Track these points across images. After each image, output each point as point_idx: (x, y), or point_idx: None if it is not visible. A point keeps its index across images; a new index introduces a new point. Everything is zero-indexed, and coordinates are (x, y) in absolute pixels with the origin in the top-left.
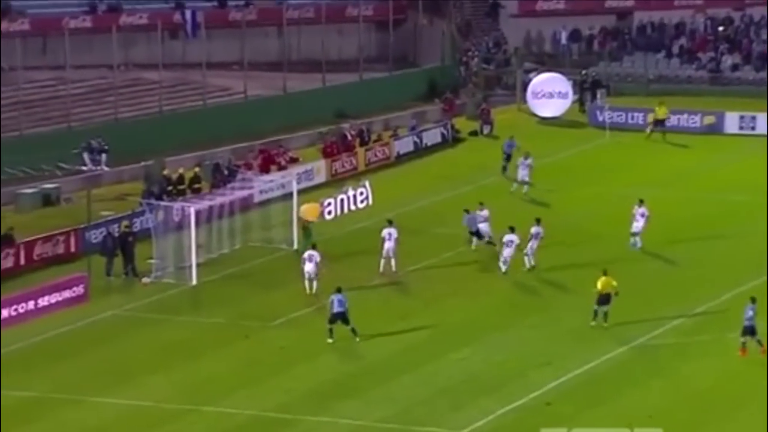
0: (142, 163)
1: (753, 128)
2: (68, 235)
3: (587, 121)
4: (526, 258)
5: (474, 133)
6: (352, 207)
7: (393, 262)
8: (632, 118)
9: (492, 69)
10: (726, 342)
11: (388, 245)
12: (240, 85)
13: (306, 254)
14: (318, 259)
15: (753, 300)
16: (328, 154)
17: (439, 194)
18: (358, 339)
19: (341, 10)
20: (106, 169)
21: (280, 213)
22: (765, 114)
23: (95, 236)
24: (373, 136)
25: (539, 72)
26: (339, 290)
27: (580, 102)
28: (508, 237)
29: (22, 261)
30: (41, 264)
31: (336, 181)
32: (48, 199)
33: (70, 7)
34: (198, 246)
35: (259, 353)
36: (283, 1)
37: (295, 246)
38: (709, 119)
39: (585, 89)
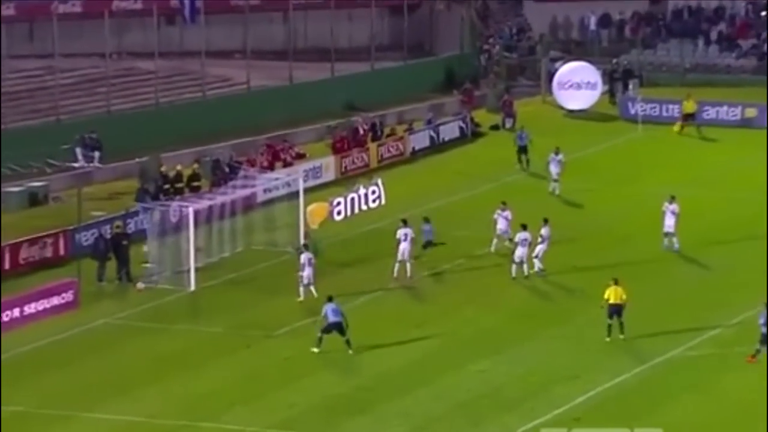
0: (137, 160)
1: None
2: (57, 237)
3: (618, 114)
4: (535, 261)
5: (495, 127)
6: (364, 207)
7: (408, 266)
8: (666, 110)
9: (515, 57)
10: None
11: (404, 246)
12: (242, 75)
13: (304, 258)
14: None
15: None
16: (337, 149)
17: (457, 193)
18: (351, 352)
19: None
20: (99, 166)
21: (285, 214)
22: None
23: (86, 238)
24: (386, 131)
25: (566, 61)
26: (331, 299)
27: (611, 93)
28: (521, 235)
29: (7, 265)
30: (28, 268)
31: (346, 179)
32: (35, 198)
33: None
34: (197, 249)
35: (261, 365)
36: None
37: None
38: (750, 112)
39: (615, 79)
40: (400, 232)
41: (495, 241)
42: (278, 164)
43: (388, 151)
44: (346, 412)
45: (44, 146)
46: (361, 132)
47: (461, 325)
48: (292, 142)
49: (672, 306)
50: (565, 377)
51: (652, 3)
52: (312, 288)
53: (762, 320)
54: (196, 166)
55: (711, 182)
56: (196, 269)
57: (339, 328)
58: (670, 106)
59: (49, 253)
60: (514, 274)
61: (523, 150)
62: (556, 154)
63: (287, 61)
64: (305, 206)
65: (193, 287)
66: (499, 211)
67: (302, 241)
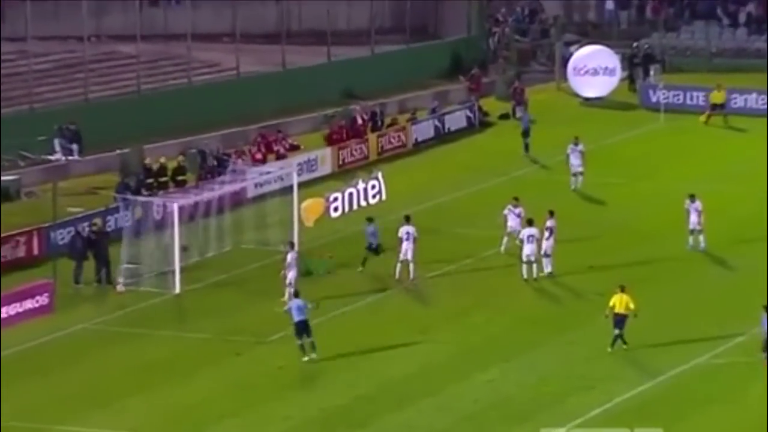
0: (117, 151)
1: None
2: (30, 236)
3: (638, 103)
4: (544, 260)
5: (505, 116)
6: (363, 202)
7: (411, 266)
8: (691, 98)
9: (526, 41)
10: None
11: (406, 246)
12: (231, 60)
13: (291, 257)
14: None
15: (767, 308)
16: (334, 140)
17: (464, 188)
18: (314, 356)
19: None
20: (79, 159)
21: (278, 210)
22: None
23: (62, 236)
24: (387, 120)
25: (582, 44)
26: (297, 294)
27: (630, 80)
28: (526, 231)
29: None
30: None
31: (344, 173)
32: (6, 194)
33: None
34: (182, 248)
35: (252, 374)
36: None
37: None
38: None
39: (635, 65)
40: (402, 231)
41: (505, 239)
42: (270, 156)
43: (389, 142)
44: (344, 425)
45: (17, 137)
46: (360, 122)
47: (468, 330)
48: (286, 132)
49: (696, 309)
50: (580, 387)
51: None
52: (291, 290)
53: (763, 326)
54: (181, 158)
55: (738, 176)
56: (182, 270)
57: (305, 326)
58: (695, 94)
59: (22, 252)
60: (524, 275)
61: (524, 134)
62: (576, 144)
63: (280, 45)
64: (299, 202)
65: (178, 289)
66: (510, 207)
67: (294, 239)
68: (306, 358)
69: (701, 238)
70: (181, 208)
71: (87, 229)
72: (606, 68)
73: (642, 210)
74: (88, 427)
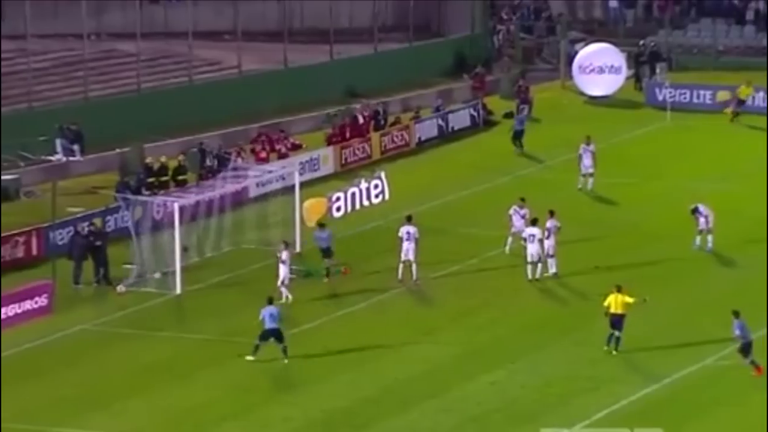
0: (117, 150)
1: None
2: (29, 236)
3: (644, 101)
4: (549, 261)
5: (509, 115)
6: (365, 202)
7: (414, 267)
8: (698, 96)
9: (531, 39)
10: None
11: (408, 246)
12: (233, 59)
13: (285, 255)
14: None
15: (736, 314)
16: (336, 140)
17: (468, 187)
18: (286, 361)
19: None
20: (81, 160)
21: (280, 210)
22: None
23: (61, 237)
24: (390, 119)
25: (587, 42)
26: (271, 301)
27: (636, 78)
28: (528, 231)
29: None
30: None
31: (346, 172)
32: (6, 193)
33: None
34: (183, 248)
35: (253, 375)
36: None
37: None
38: None
39: (642, 63)
40: (402, 230)
41: (510, 240)
42: (272, 156)
43: (392, 141)
44: (347, 427)
45: (16, 136)
46: (363, 120)
47: (472, 331)
48: (288, 131)
49: (703, 311)
50: (585, 389)
51: None
52: (284, 289)
53: (737, 332)
54: (182, 157)
55: (746, 175)
56: (182, 270)
57: (276, 335)
58: (701, 92)
59: (20, 252)
60: (530, 276)
61: (515, 135)
62: (588, 144)
63: (282, 43)
64: (301, 202)
65: (179, 290)
66: (516, 208)
67: (296, 239)
68: (250, 358)
69: (709, 238)
70: (182, 208)
71: (87, 229)
72: (612, 66)
73: (649, 210)
74: (88, 429)
